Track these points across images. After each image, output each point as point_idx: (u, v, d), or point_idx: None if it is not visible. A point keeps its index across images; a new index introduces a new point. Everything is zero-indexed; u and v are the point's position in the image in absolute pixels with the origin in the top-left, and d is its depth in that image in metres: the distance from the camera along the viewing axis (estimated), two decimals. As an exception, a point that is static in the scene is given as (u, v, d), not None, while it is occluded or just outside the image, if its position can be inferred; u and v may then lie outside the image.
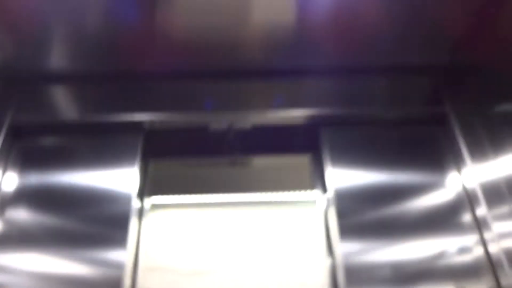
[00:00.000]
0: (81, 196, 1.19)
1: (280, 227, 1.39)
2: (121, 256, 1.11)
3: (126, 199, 1.18)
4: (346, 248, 1.13)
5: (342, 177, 1.23)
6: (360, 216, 1.18)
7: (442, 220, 1.18)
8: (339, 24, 1.22)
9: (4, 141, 1.23)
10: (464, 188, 1.23)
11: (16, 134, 1.28)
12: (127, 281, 1.09)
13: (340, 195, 1.20)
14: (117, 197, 1.19)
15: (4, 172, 1.22)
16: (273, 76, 1.36)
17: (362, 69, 1.38)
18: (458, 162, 1.27)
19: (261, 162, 1.48)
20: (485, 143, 1.21)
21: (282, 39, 1.26)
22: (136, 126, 1.30)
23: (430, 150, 1.31)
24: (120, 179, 1.22)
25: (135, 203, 1.20)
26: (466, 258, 1.13)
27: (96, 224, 1.15)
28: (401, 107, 1.35)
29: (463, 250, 1.14)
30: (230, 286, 1.26)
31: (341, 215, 1.17)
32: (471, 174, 1.21)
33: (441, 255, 1.13)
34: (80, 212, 1.17)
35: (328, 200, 1.23)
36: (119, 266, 1.09)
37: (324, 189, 1.27)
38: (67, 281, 1.08)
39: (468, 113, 1.29)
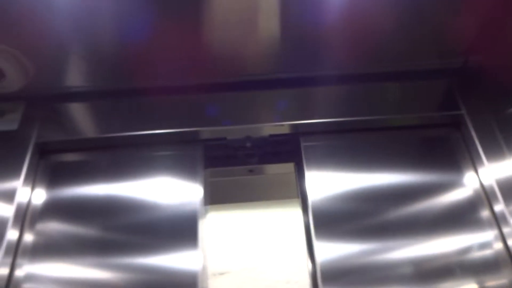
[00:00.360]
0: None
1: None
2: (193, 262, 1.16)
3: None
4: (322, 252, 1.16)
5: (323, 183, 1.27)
6: (338, 220, 1.21)
7: (460, 217, 1.20)
8: (349, 32, 1.24)
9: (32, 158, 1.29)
10: (482, 186, 1.25)
11: (43, 151, 1.35)
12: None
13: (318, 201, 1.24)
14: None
15: (33, 188, 1.28)
16: (281, 85, 1.39)
17: (374, 75, 1.40)
18: (474, 162, 1.29)
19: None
20: (501, 143, 1.23)
21: (289, 49, 1.28)
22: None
23: (447, 152, 1.34)
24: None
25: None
26: (486, 253, 1.14)
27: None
28: (415, 111, 1.37)
29: (483, 246, 1.15)
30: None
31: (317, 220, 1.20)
32: (488, 173, 1.22)
33: (461, 251, 1.15)
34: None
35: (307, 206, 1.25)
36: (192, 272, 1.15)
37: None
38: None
39: (484, 114, 1.32)
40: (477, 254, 1.14)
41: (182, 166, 1.32)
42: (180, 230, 1.20)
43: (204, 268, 1.20)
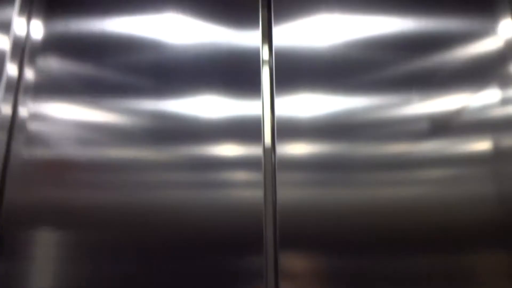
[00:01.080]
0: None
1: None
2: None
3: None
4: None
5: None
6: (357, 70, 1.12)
7: (485, 70, 1.13)
8: None
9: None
10: (516, 37, 1.15)
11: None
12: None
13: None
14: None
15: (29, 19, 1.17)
16: None
17: None
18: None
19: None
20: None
21: None
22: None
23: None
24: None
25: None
26: (507, 111, 1.10)
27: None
28: None
29: (505, 103, 1.10)
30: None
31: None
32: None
33: (481, 108, 1.10)
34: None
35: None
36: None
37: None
38: (111, 131, 1.09)
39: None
40: (498, 112, 1.10)
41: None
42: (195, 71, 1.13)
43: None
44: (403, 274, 0.98)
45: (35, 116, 1.09)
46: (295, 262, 0.99)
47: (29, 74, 1.12)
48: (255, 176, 1.05)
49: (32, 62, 1.13)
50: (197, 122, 1.09)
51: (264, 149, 1.08)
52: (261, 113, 1.10)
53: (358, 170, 1.05)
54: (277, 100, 1.10)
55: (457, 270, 0.99)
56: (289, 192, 1.03)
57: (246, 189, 1.03)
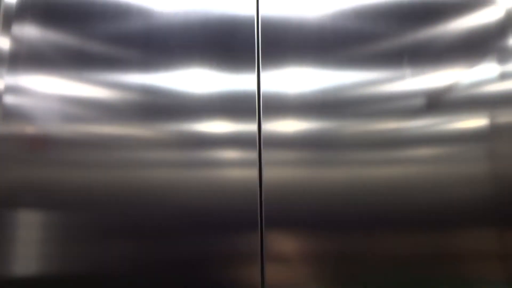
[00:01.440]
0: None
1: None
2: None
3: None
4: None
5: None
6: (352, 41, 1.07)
7: (482, 43, 1.09)
8: None
9: None
10: (514, 9, 1.11)
11: None
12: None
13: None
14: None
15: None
16: None
17: None
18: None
19: None
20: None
21: None
22: None
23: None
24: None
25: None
26: (505, 86, 1.07)
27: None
28: None
29: (503, 77, 1.07)
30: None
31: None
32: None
33: (478, 82, 1.07)
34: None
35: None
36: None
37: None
38: (91, 104, 1.03)
39: None
40: (495, 87, 1.07)
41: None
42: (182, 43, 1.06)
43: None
44: (392, 254, 0.98)
45: (11, 89, 1.02)
46: (282, 242, 0.98)
47: (4, 43, 1.04)
48: (248, 154, 1.01)
49: (6, 29, 1.05)
50: (188, 97, 1.04)
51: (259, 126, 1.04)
52: (255, 88, 1.05)
53: (348, 148, 1.02)
54: (263, 75, 1.05)
55: (449, 250, 0.99)
56: (276, 171, 1.00)
57: (239, 168, 1.00)
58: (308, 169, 1.01)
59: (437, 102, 1.05)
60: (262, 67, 1.05)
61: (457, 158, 1.03)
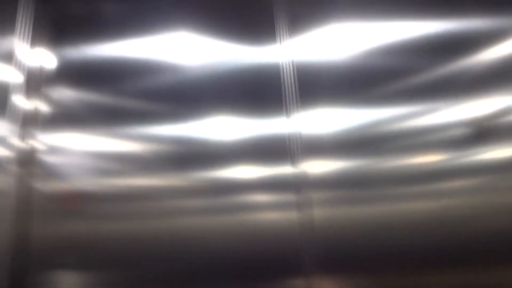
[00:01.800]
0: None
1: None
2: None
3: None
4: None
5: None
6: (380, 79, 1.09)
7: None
8: None
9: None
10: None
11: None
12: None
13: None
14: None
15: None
16: None
17: None
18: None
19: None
20: None
21: None
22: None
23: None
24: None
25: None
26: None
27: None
28: None
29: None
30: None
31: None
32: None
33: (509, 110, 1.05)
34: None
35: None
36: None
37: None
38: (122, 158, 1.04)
39: None
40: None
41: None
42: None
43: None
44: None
45: (52, 149, 1.04)
46: (332, 284, 0.97)
47: (36, 104, 1.07)
48: (284, 197, 1.01)
49: (38, 91, 1.07)
50: (220, 144, 1.05)
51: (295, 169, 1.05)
52: (286, 131, 1.06)
53: (386, 184, 1.02)
54: (298, 117, 1.06)
55: (499, 284, 0.97)
56: (318, 212, 1.00)
57: (275, 211, 1.00)
58: (348, 207, 1.01)
59: (473, 133, 1.04)
60: (294, 110, 1.07)
61: (499, 189, 1.01)
